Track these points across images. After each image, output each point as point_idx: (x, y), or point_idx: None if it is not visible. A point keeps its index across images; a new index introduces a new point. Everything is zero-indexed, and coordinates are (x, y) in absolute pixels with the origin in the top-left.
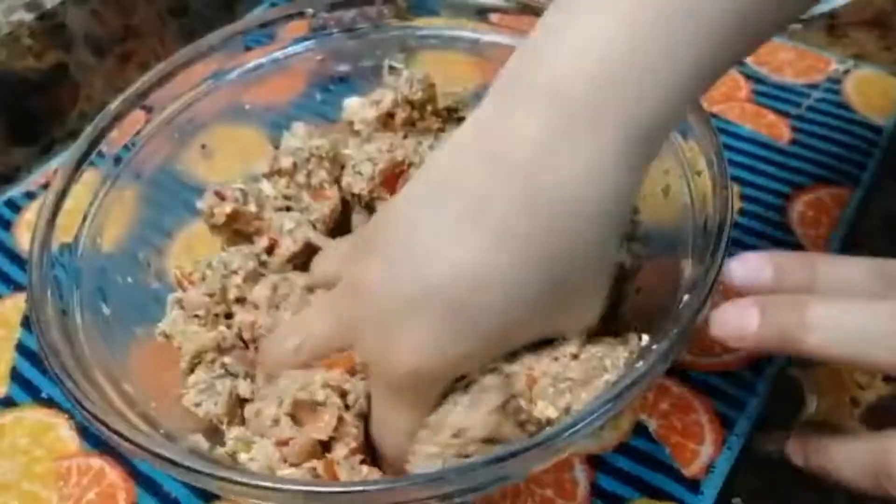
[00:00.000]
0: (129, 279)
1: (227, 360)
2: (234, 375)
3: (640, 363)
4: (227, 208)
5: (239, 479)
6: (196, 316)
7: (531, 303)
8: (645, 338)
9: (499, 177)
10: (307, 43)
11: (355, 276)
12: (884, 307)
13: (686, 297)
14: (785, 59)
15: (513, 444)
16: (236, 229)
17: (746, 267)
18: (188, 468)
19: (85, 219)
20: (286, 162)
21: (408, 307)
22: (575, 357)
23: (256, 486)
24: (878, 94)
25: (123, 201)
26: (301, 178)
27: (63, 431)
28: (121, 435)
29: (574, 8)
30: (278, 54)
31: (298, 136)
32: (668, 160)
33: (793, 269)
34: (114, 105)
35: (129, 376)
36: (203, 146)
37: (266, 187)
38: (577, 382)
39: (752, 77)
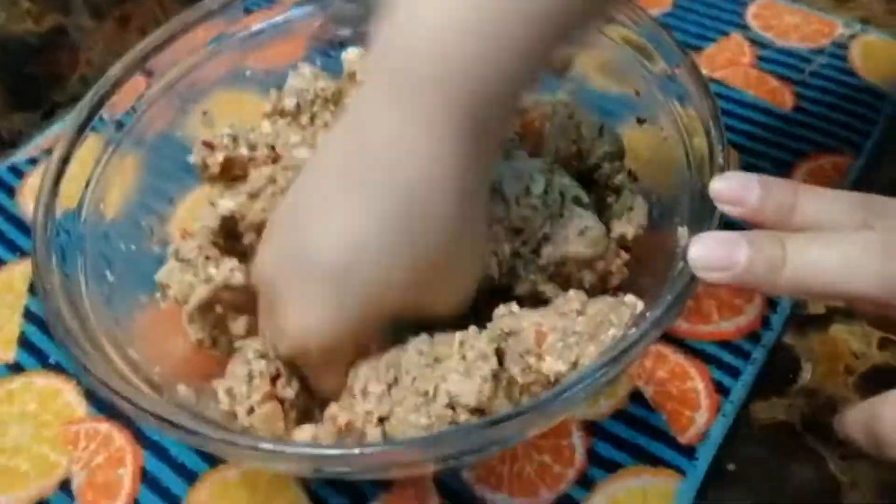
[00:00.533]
0: (133, 246)
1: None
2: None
3: (634, 329)
4: (220, 157)
5: (241, 442)
6: (188, 262)
7: (403, 271)
8: (640, 304)
9: (362, 160)
10: (308, 7)
11: (255, 269)
12: (863, 235)
13: (681, 264)
14: (791, 23)
15: (509, 409)
16: (234, 176)
17: (736, 182)
18: (190, 431)
19: (88, 185)
20: (289, 103)
21: (295, 281)
22: (580, 312)
23: (260, 450)
24: (884, 60)
25: (125, 168)
26: (304, 119)
27: (71, 397)
28: (126, 398)
29: None
30: (279, 19)
31: (304, 77)
32: (666, 127)
33: (778, 190)
34: (114, 70)
35: (134, 342)
36: (204, 113)
37: (265, 126)
38: (584, 336)
39: (756, 42)
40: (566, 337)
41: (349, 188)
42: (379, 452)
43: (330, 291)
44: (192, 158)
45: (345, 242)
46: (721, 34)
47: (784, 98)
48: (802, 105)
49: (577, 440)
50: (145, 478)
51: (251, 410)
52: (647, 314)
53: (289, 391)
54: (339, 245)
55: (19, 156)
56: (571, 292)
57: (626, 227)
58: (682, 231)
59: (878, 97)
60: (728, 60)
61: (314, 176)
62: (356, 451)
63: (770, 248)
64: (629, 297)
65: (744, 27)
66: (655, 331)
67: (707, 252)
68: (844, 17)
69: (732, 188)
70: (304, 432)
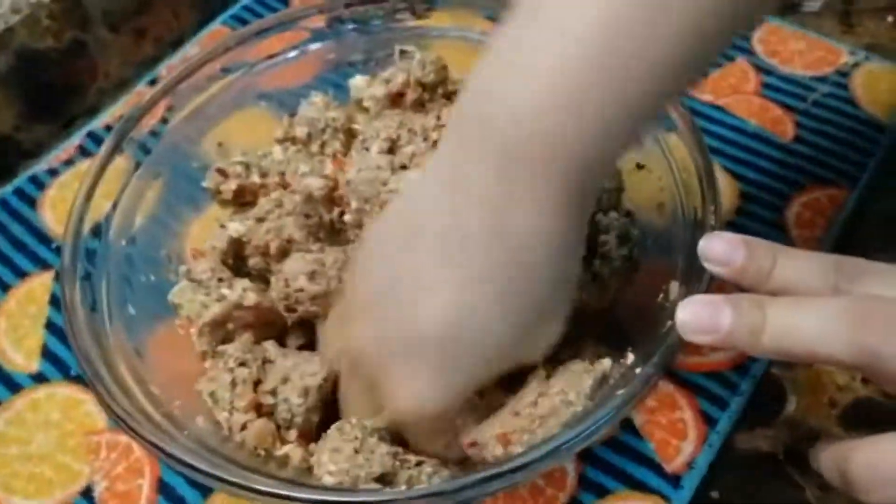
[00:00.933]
0: (152, 276)
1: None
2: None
3: (623, 389)
4: (232, 185)
5: (257, 486)
6: (201, 283)
7: (504, 336)
8: (630, 356)
9: (459, 227)
10: (322, 39)
11: (349, 347)
12: (838, 302)
13: (669, 322)
14: (795, 50)
15: (524, 456)
16: (245, 201)
17: (725, 244)
18: (210, 475)
19: (115, 208)
20: (301, 132)
21: (402, 357)
22: (534, 404)
23: (278, 496)
24: (886, 89)
25: (147, 191)
26: (315, 147)
27: (92, 407)
28: (152, 444)
29: (520, 42)
30: (293, 52)
31: (316, 107)
32: (664, 177)
33: (760, 253)
34: (144, 98)
35: (153, 375)
36: (220, 144)
37: (277, 152)
38: (543, 418)
39: (761, 69)
40: (527, 432)
41: (450, 258)
42: (390, 500)
43: (440, 362)
44: (206, 183)
45: (452, 313)
46: (727, 59)
47: (785, 128)
48: (802, 135)
49: (569, 465)
50: (163, 488)
51: (244, 427)
52: (638, 371)
53: (269, 398)
54: (446, 316)
55: (39, 167)
56: (532, 375)
57: (604, 268)
58: (674, 285)
59: (878, 129)
60: (732, 88)
61: (409, 248)
62: (370, 498)
63: (751, 313)
64: (604, 362)
65: (750, 52)
66: (645, 389)
67: (693, 317)
68: (850, 45)
69: (720, 249)
70: (292, 453)
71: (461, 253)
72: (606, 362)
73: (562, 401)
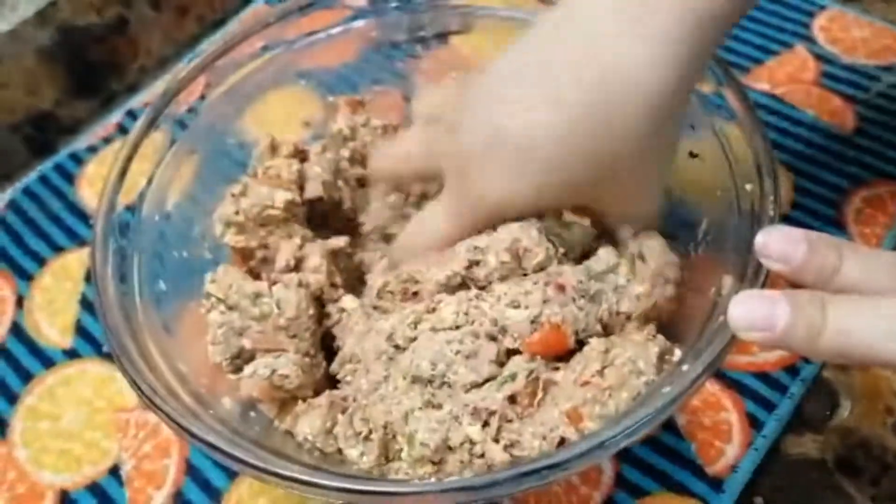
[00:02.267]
0: (185, 253)
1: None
2: None
3: (669, 388)
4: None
5: (279, 471)
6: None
7: (584, 162)
8: (678, 353)
9: (565, 50)
10: (364, 17)
11: (453, 117)
12: None
13: (721, 318)
14: (859, 37)
15: (560, 453)
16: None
17: (784, 239)
18: (229, 455)
19: (150, 182)
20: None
21: (486, 147)
22: (600, 373)
23: (303, 483)
24: None
25: (183, 166)
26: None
27: (122, 385)
28: (175, 421)
29: None
30: (336, 28)
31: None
32: (720, 167)
33: (823, 250)
34: (182, 73)
35: (181, 352)
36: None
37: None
38: (613, 389)
39: (821, 57)
40: (597, 404)
41: (551, 67)
42: (421, 492)
43: (517, 165)
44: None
45: (534, 121)
46: (785, 46)
47: (846, 119)
48: (864, 127)
49: (606, 463)
50: (189, 470)
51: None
52: (684, 367)
53: None
54: (529, 123)
55: (79, 143)
56: (589, 346)
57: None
58: (728, 280)
59: None
60: (790, 76)
61: (521, 51)
62: (397, 489)
63: (810, 310)
64: (660, 338)
65: (809, 40)
66: (692, 388)
67: (747, 312)
68: None
69: (778, 245)
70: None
71: (556, 82)
72: (663, 338)
73: (630, 370)
